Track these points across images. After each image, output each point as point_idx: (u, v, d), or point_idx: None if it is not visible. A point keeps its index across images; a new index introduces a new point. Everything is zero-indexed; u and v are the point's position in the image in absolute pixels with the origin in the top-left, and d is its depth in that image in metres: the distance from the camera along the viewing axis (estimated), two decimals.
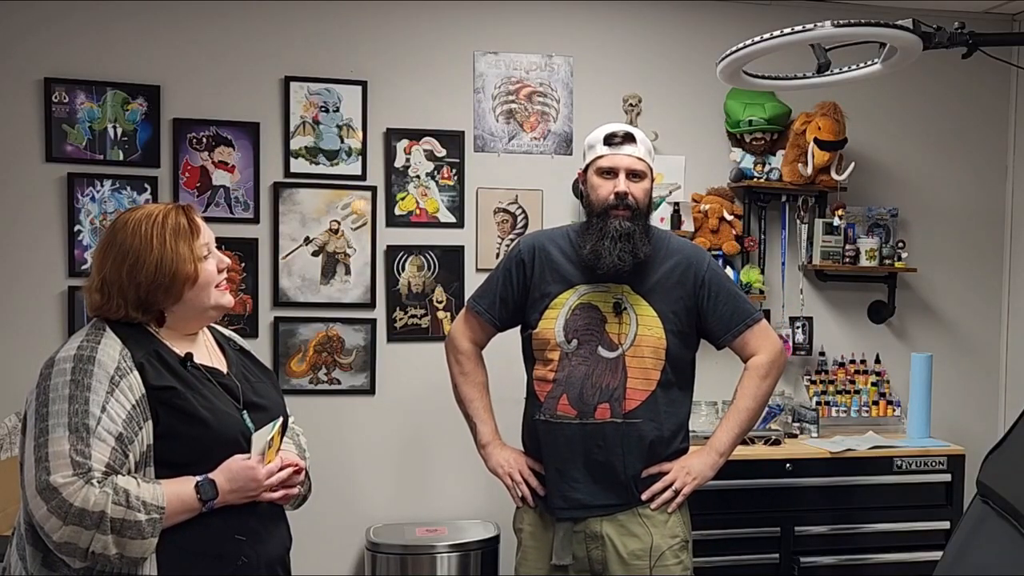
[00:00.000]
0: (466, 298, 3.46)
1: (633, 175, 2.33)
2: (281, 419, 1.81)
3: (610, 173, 2.34)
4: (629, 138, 2.34)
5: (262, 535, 1.77)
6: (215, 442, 1.70)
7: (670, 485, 2.32)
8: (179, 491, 1.65)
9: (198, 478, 1.67)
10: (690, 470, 2.34)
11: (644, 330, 2.32)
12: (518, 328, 2.50)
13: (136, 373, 1.65)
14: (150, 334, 1.75)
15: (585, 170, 2.41)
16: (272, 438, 1.75)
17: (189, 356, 1.75)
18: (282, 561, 1.85)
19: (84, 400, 1.59)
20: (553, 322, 2.35)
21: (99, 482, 1.57)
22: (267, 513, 1.80)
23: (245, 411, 1.79)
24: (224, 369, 1.84)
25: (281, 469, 1.79)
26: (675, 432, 2.37)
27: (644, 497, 2.32)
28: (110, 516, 1.56)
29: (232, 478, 1.69)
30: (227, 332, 2.00)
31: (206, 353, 1.84)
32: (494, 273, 2.51)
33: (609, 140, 2.35)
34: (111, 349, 1.66)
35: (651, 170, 2.39)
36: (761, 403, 2.43)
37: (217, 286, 1.80)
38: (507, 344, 2.54)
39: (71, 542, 1.56)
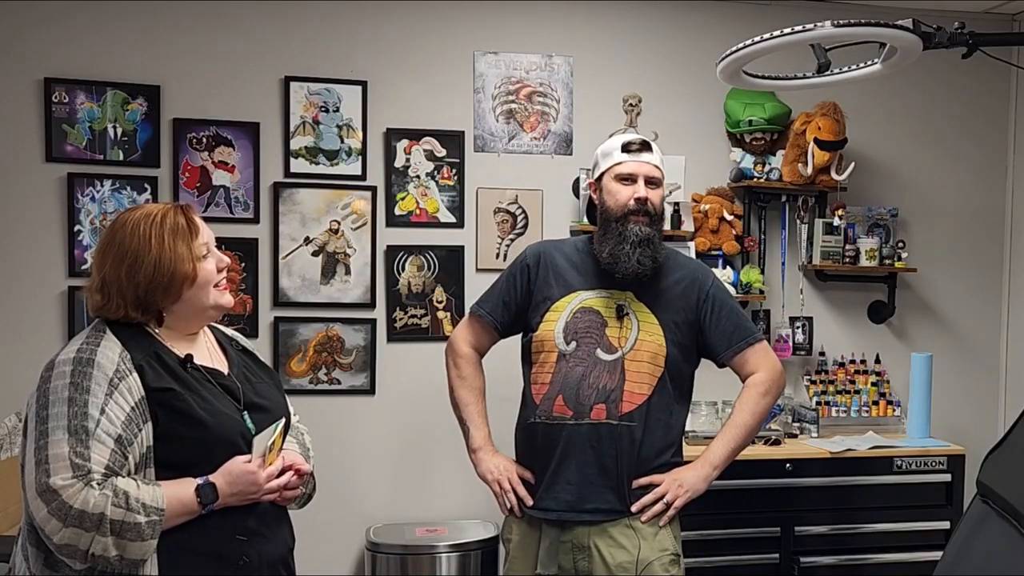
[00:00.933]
0: (466, 298, 3.49)
1: (650, 182, 2.35)
2: (283, 421, 1.80)
3: (629, 179, 2.35)
4: (646, 146, 2.38)
5: (264, 535, 1.77)
6: (215, 443, 1.70)
7: (661, 497, 2.30)
8: (179, 493, 1.65)
9: (198, 480, 1.67)
10: (682, 483, 2.31)
11: (645, 335, 2.32)
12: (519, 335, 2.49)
13: (135, 375, 1.66)
14: (150, 335, 1.75)
15: (599, 178, 2.42)
16: (274, 440, 1.75)
17: (189, 357, 1.75)
18: (284, 561, 1.84)
19: (83, 403, 1.60)
20: (553, 324, 2.35)
21: (99, 484, 1.57)
22: (269, 513, 1.80)
23: (246, 412, 1.79)
24: (225, 370, 1.84)
25: (283, 472, 1.79)
26: (669, 443, 2.35)
27: (634, 509, 2.29)
28: (110, 518, 1.56)
29: (232, 481, 1.69)
30: (230, 332, 2.00)
31: (207, 354, 1.84)
32: (498, 279, 2.52)
33: (627, 148, 2.37)
34: (110, 351, 1.66)
35: (663, 179, 2.41)
36: (759, 419, 2.41)
37: (216, 286, 1.80)
38: (506, 344, 2.54)
39: (71, 544, 1.56)
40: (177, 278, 1.72)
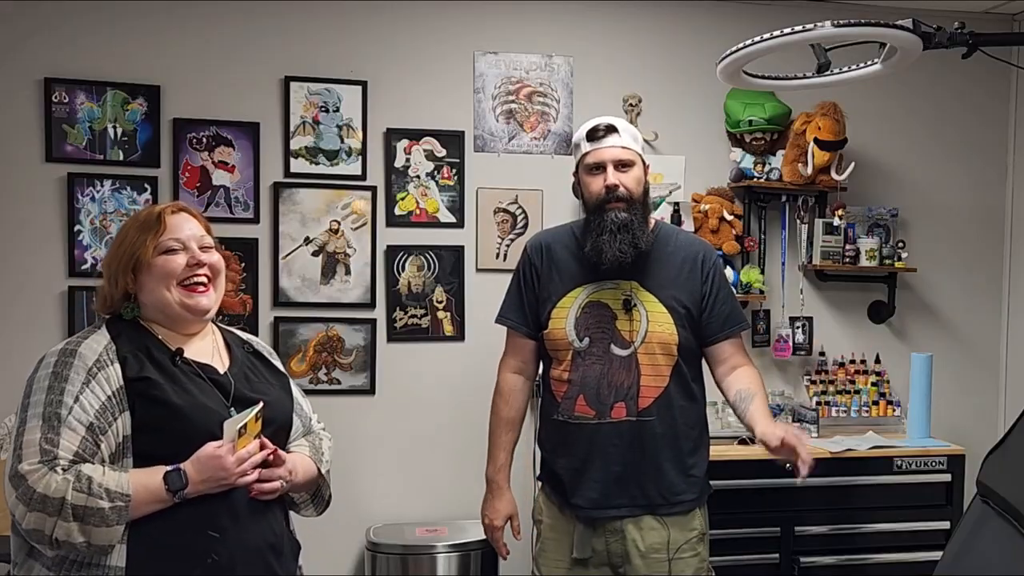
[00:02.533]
0: (466, 298, 3.49)
1: (621, 165, 2.33)
2: (260, 405, 1.77)
3: (598, 168, 2.34)
4: (611, 129, 2.34)
5: (238, 533, 1.73)
6: (194, 435, 1.69)
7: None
8: (146, 480, 1.65)
9: (168, 468, 1.67)
10: (795, 436, 2.13)
11: (655, 326, 2.33)
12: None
13: (117, 365, 1.69)
14: (147, 332, 1.78)
15: (576, 170, 2.42)
16: (246, 424, 1.72)
17: (179, 351, 1.77)
18: (263, 559, 1.79)
19: (60, 391, 1.64)
20: (563, 321, 2.36)
21: (64, 469, 1.59)
22: (245, 509, 1.76)
23: (233, 408, 1.77)
24: (223, 368, 1.84)
25: (265, 463, 1.76)
26: (692, 425, 2.39)
27: (803, 473, 2.08)
28: (71, 503, 1.57)
29: (200, 467, 1.68)
30: (245, 336, 2.01)
31: (208, 352, 1.84)
32: (511, 284, 2.52)
33: (592, 135, 2.35)
34: (96, 343, 1.71)
35: (641, 157, 2.39)
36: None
37: (185, 285, 1.79)
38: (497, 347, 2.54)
39: (38, 529, 1.58)
40: (133, 261, 1.77)
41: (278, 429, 1.88)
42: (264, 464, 1.77)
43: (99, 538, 1.60)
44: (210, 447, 1.69)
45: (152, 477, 1.65)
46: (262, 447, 1.77)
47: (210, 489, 1.69)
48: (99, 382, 1.66)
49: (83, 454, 1.62)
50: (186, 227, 1.82)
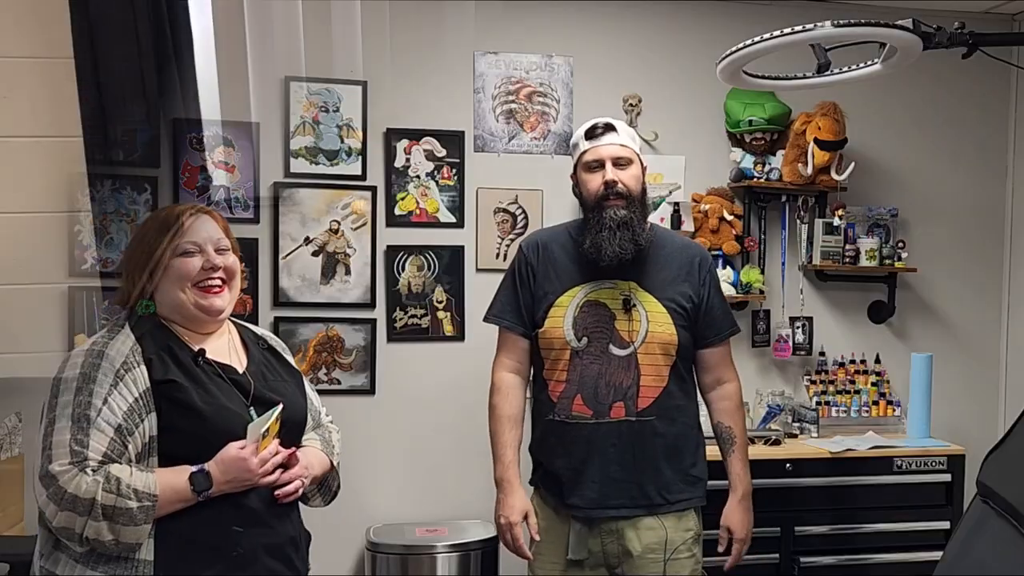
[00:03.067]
0: (466, 298, 3.48)
1: (619, 162, 2.35)
2: (280, 408, 1.81)
3: (596, 165, 2.36)
4: (609, 128, 2.37)
5: (261, 527, 1.78)
6: (214, 436, 1.73)
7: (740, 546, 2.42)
8: (172, 480, 1.69)
9: (193, 468, 1.71)
10: (749, 532, 2.42)
11: (655, 327, 2.33)
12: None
13: (143, 367, 1.72)
14: (168, 331, 1.81)
15: (575, 170, 2.43)
16: (268, 427, 1.76)
17: (202, 352, 1.80)
18: (284, 554, 1.83)
19: (88, 392, 1.66)
20: (560, 320, 2.36)
21: (93, 471, 1.63)
22: (266, 504, 1.80)
23: (252, 407, 1.81)
24: (241, 367, 1.87)
25: (285, 465, 1.81)
26: (691, 425, 2.40)
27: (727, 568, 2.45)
28: (100, 503, 1.61)
29: (225, 468, 1.72)
30: (259, 331, 2.05)
31: (226, 351, 1.87)
32: (505, 283, 2.51)
33: (590, 134, 2.38)
34: (122, 344, 1.74)
35: (639, 157, 2.41)
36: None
37: (200, 286, 1.82)
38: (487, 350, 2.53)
39: (68, 527, 1.62)
40: (151, 262, 1.80)
41: (292, 426, 1.92)
42: (282, 467, 1.82)
43: (127, 536, 1.64)
44: (233, 449, 1.73)
45: (178, 477, 1.69)
46: (286, 454, 1.82)
47: (233, 489, 1.73)
48: (126, 384, 1.69)
49: (111, 455, 1.66)
50: (203, 229, 1.85)
